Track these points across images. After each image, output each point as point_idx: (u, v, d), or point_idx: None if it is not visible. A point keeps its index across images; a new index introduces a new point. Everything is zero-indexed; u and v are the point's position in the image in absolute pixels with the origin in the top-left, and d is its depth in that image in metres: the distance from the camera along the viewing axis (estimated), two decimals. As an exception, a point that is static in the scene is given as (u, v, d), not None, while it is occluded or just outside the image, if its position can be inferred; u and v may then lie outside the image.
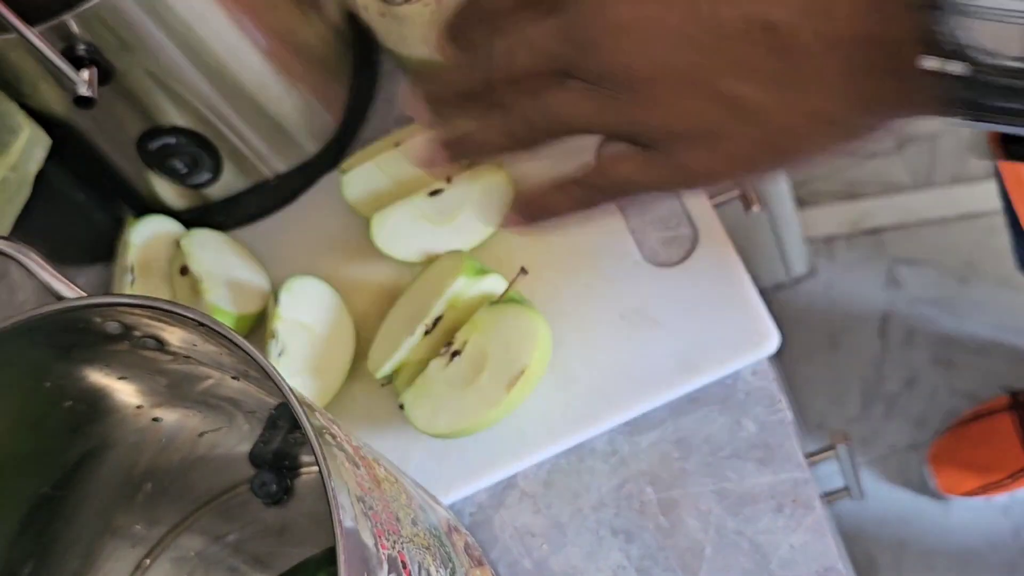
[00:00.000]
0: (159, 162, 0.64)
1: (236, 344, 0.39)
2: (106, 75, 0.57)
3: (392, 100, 0.70)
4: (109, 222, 0.68)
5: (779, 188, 1.09)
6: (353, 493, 0.37)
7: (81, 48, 0.56)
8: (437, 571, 0.43)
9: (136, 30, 0.56)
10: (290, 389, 0.38)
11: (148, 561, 0.56)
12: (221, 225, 0.68)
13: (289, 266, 0.65)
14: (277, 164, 0.67)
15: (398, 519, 0.41)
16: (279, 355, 0.59)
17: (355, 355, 0.62)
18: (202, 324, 0.40)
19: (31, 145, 0.59)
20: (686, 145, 0.39)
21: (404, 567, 0.39)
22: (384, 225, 0.62)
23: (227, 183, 0.66)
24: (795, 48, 0.36)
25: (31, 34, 0.53)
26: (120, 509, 0.54)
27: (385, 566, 0.38)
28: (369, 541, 0.37)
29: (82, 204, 0.67)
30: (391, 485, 0.44)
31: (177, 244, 0.64)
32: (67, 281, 0.43)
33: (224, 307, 0.61)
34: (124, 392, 0.50)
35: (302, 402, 0.38)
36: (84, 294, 0.42)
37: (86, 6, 0.54)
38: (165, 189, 0.66)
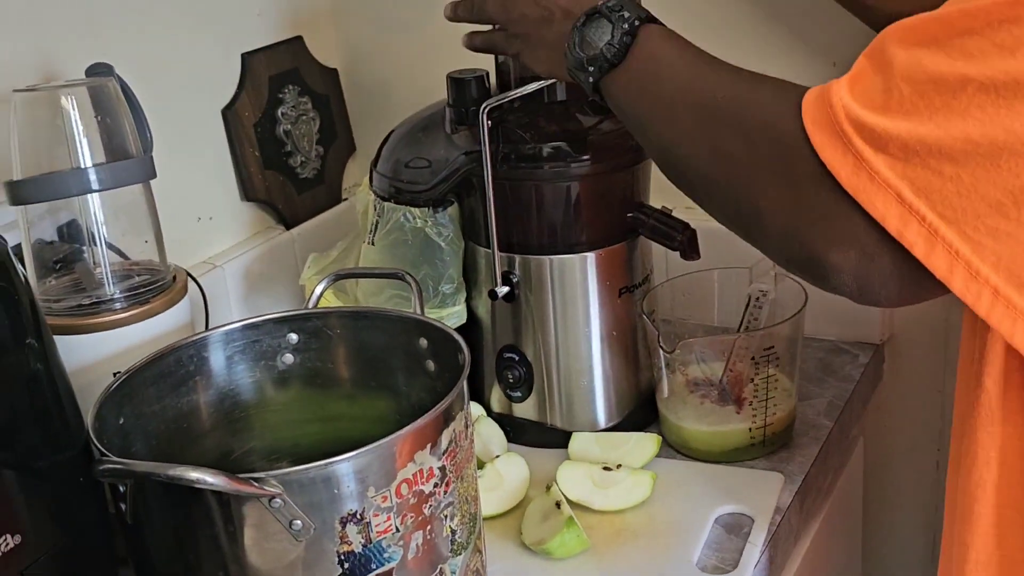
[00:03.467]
0: (500, 371, 1.05)
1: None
2: (509, 296, 1.01)
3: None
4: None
5: None
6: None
7: (514, 275, 1.00)
8: None
9: (542, 285, 1.00)
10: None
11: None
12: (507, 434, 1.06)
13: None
14: (560, 422, 1.05)
15: None
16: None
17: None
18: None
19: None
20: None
21: None
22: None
23: (526, 408, 1.05)
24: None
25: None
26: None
27: None
28: None
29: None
30: None
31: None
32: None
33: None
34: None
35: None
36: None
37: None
38: (497, 393, 1.07)
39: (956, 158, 0.58)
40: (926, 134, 0.58)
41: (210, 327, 0.94)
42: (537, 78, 0.97)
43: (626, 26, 0.79)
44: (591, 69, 0.80)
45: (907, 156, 0.59)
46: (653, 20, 0.80)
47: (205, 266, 1.20)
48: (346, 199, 1.39)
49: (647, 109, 0.77)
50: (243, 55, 1.24)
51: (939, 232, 0.59)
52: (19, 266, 0.70)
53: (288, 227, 1.30)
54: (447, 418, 0.75)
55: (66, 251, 0.95)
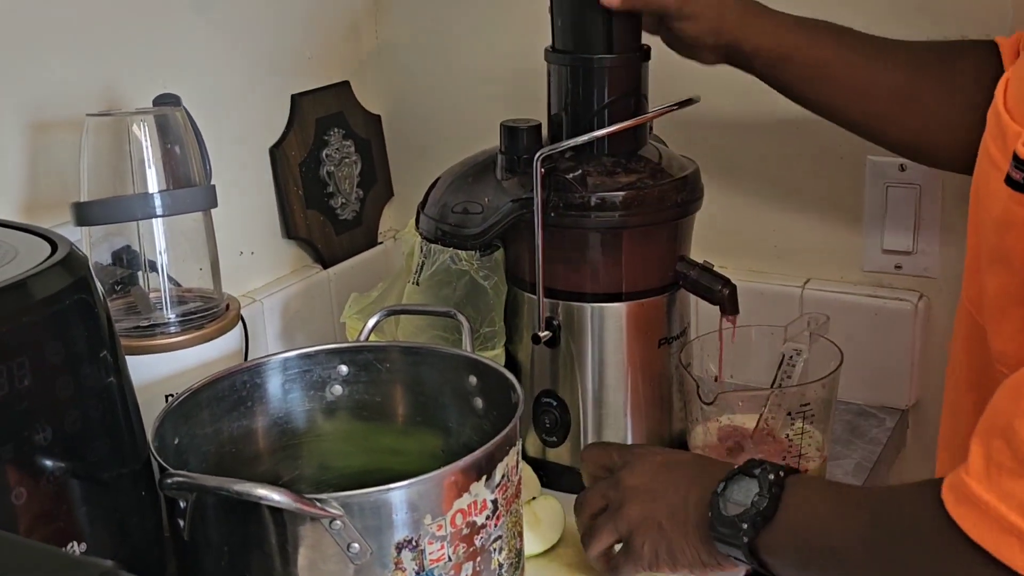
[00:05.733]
0: (537, 416, 1.07)
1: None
2: (552, 341, 1.03)
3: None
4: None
5: None
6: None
7: (556, 321, 1.03)
8: None
9: (583, 332, 1.02)
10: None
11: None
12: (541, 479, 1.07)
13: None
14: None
15: None
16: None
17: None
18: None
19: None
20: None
21: None
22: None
23: (560, 453, 1.07)
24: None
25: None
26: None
27: None
28: None
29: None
30: None
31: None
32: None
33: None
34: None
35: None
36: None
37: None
38: (532, 437, 1.08)
39: None
40: None
41: (257, 357, 0.96)
42: (591, 130, 1.00)
43: (772, 477, 0.78)
44: (744, 527, 0.77)
45: None
46: (793, 471, 0.80)
47: (245, 299, 1.22)
48: (381, 243, 1.41)
49: (814, 560, 0.76)
50: (293, 96, 1.28)
51: None
52: (97, 282, 0.72)
53: (325, 266, 1.32)
54: (501, 452, 0.77)
55: (122, 275, 0.97)
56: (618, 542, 0.87)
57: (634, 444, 0.94)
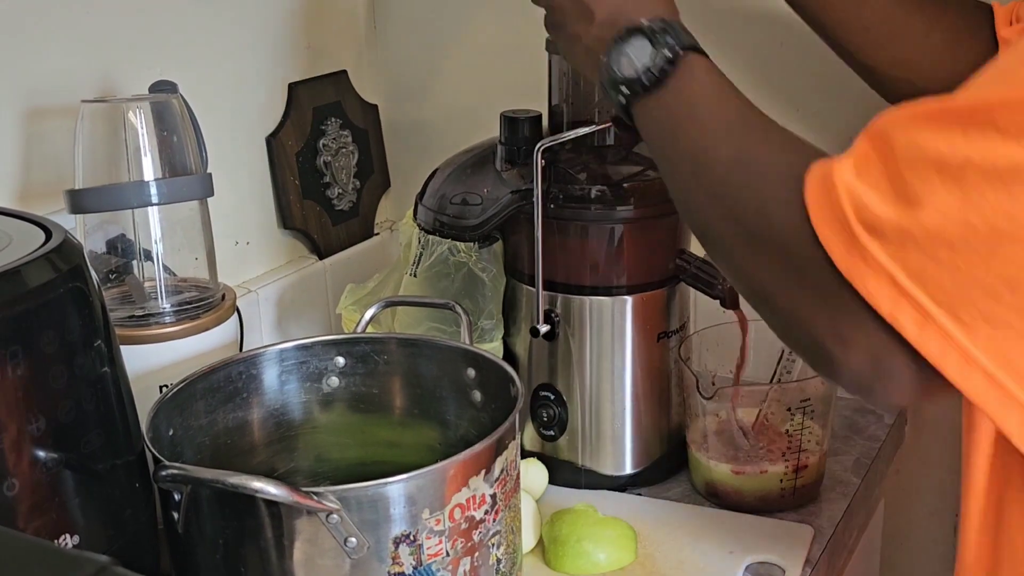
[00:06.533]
0: (535, 409, 1.06)
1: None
2: (550, 335, 1.02)
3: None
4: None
5: None
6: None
7: (555, 314, 1.02)
8: None
9: (582, 325, 1.02)
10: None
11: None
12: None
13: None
14: (591, 462, 1.06)
15: None
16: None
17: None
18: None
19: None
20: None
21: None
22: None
23: (558, 447, 1.06)
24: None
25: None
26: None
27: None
28: None
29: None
30: None
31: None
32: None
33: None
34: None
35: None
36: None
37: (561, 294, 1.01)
38: (530, 431, 1.07)
39: (954, 244, 0.57)
40: (924, 219, 0.57)
41: (253, 348, 0.95)
42: (591, 122, 0.99)
43: (668, 53, 0.75)
44: (624, 90, 0.77)
45: (903, 240, 0.58)
46: (698, 50, 0.77)
47: (240, 290, 1.20)
48: (378, 234, 1.40)
49: (670, 150, 0.76)
50: (290, 85, 1.26)
51: (932, 316, 0.58)
52: (92, 270, 0.71)
53: (321, 257, 1.31)
54: (500, 446, 0.76)
55: (116, 263, 0.96)
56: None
57: None
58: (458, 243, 1.03)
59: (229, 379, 0.86)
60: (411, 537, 0.72)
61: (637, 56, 0.77)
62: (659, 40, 0.76)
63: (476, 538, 0.75)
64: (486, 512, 0.75)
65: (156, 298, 0.93)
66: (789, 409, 0.99)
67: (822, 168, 0.63)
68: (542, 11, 1.03)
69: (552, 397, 1.05)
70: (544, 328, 1.01)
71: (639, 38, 0.77)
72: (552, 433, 1.06)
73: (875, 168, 0.60)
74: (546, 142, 0.97)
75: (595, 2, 0.82)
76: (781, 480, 1.01)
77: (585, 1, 0.82)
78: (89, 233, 0.95)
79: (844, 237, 0.60)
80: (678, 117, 0.76)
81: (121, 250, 0.96)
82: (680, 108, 0.76)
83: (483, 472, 0.74)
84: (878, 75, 0.99)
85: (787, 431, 1.00)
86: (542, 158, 0.96)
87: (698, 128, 0.74)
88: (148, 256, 0.95)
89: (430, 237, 1.04)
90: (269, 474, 0.88)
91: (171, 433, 0.81)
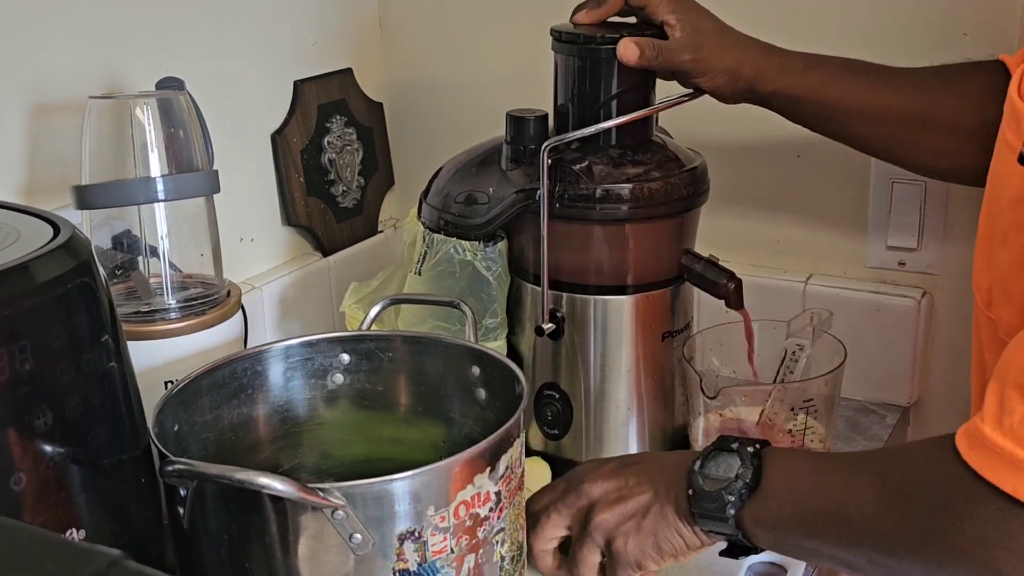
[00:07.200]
0: (539, 408, 1.06)
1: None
2: (555, 333, 1.02)
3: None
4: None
5: None
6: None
7: (560, 313, 1.02)
8: None
9: (586, 324, 1.02)
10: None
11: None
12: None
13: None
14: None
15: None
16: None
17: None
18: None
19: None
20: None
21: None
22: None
23: (562, 446, 1.06)
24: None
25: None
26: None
27: None
28: None
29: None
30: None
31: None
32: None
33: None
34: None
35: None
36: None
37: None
38: (534, 430, 1.07)
39: None
40: None
41: (259, 344, 0.95)
42: (597, 120, 1.00)
43: (751, 449, 0.79)
44: (730, 499, 0.78)
45: None
46: (766, 443, 0.81)
47: (244, 286, 1.21)
48: (382, 231, 1.40)
49: (808, 526, 0.76)
50: (295, 82, 1.26)
51: None
52: (99, 266, 0.71)
53: (325, 254, 1.31)
54: (505, 444, 0.76)
55: (122, 259, 0.96)
56: (601, 554, 0.86)
57: (571, 469, 0.92)
58: (463, 242, 1.03)
59: (234, 375, 0.87)
60: (416, 534, 0.72)
61: (723, 469, 0.79)
62: (736, 447, 0.80)
63: (480, 535, 0.75)
64: (491, 509, 0.76)
65: (162, 294, 0.93)
66: (792, 409, 0.99)
67: (965, 438, 0.68)
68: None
69: (556, 396, 1.05)
70: (549, 327, 1.02)
71: (715, 457, 0.80)
72: (556, 432, 1.06)
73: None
74: (553, 141, 0.97)
75: (627, 495, 0.84)
76: (784, 480, 1.01)
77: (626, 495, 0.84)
78: (95, 229, 0.95)
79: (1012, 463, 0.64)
80: (794, 500, 0.77)
81: (127, 246, 0.96)
82: (789, 490, 0.78)
83: (488, 470, 0.75)
84: (923, 168, 1.03)
85: (790, 431, 1.00)
86: (548, 157, 0.96)
87: (823, 500, 0.76)
88: (154, 252, 0.95)
89: (435, 236, 1.05)
90: (274, 470, 0.88)
91: (176, 429, 0.81)
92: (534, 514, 0.88)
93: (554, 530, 0.87)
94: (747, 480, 0.78)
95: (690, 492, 0.80)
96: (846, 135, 1.02)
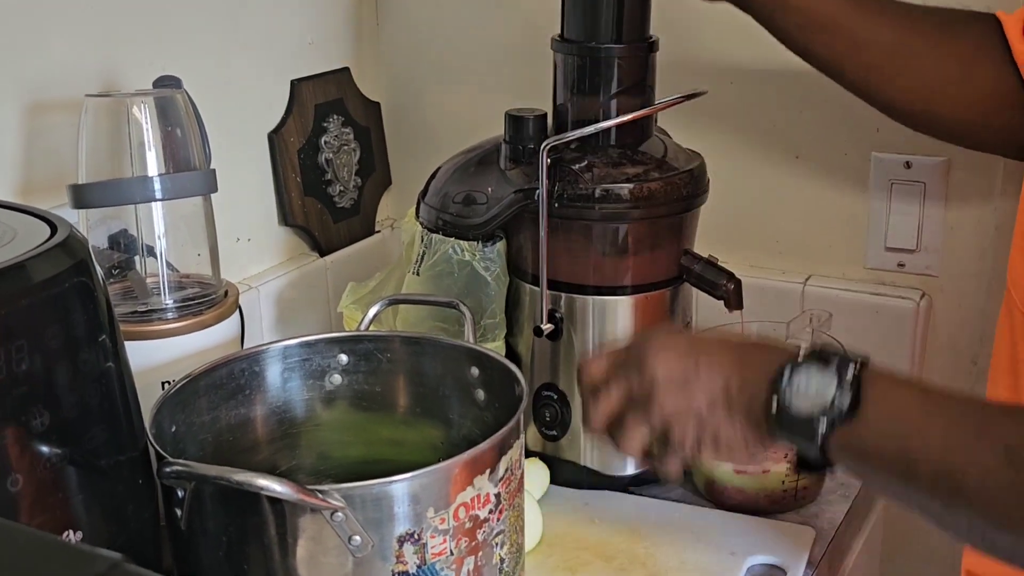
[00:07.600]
0: (537, 409, 1.06)
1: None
2: (554, 334, 1.02)
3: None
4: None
5: None
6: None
7: (559, 313, 1.01)
8: None
9: (585, 325, 1.01)
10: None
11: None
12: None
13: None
14: (593, 462, 1.06)
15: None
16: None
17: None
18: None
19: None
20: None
21: None
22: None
23: (560, 447, 1.05)
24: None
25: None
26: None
27: None
28: None
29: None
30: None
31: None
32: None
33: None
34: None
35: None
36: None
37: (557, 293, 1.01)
38: (532, 431, 1.07)
39: None
40: None
41: (256, 344, 0.94)
42: (596, 120, 0.99)
43: (851, 371, 0.69)
44: (822, 425, 0.69)
45: None
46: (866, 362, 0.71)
47: (241, 286, 1.20)
48: (379, 231, 1.40)
49: (897, 474, 0.69)
50: (292, 82, 1.26)
51: None
52: (97, 265, 0.70)
53: (322, 254, 1.31)
54: (505, 445, 0.76)
55: (119, 259, 0.96)
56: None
57: (643, 332, 0.83)
58: (461, 242, 1.03)
59: (232, 376, 0.86)
60: (415, 536, 0.71)
61: (818, 387, 0.70)
62: (834, 360, 0.71)
63: (480, 537, 0.75)
64: (490, 511, 0.75)
65: (159, 294, 0.93)
66: (792, 410, 0.99)
67: None
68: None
69: (555, 397, 1.04)
70: (548, 328, 1.01)
71: (807, 369, 0.71)
72: (554, 433, 1.05)
73: None
74: (552, 141, 0.96)
75: (695, 383, 0.76)
76: (783, 480, 1.00)
77: (701, 388, 0.76)
78: (92, 228, 0.94)
79: None
80: (889, 440, 0.69)
81: (124, 245, 0.96)
82: (890, 427, 0.69)
83: (488, 471, 0.74)
84: (896, 108, 0.99)
85: (790, 433, 1.00)
86: (547, 157, 0.96)
87: (919, 445, 0.68)
88: (151, 252, 0.94)
89: (433, 236, 1.04)
90: (271, 471, 0.88)
91: (174, 430, 0.80)
92: (591, 384, 0.81)
93: (610, 406, 0.80)
94: (844, 408, 0.69)
95: (775, 406, 0.71)
96: (826, 56, 0.97)
